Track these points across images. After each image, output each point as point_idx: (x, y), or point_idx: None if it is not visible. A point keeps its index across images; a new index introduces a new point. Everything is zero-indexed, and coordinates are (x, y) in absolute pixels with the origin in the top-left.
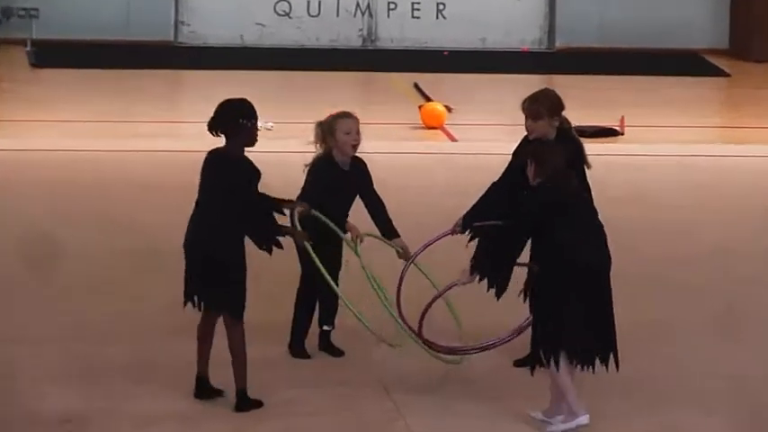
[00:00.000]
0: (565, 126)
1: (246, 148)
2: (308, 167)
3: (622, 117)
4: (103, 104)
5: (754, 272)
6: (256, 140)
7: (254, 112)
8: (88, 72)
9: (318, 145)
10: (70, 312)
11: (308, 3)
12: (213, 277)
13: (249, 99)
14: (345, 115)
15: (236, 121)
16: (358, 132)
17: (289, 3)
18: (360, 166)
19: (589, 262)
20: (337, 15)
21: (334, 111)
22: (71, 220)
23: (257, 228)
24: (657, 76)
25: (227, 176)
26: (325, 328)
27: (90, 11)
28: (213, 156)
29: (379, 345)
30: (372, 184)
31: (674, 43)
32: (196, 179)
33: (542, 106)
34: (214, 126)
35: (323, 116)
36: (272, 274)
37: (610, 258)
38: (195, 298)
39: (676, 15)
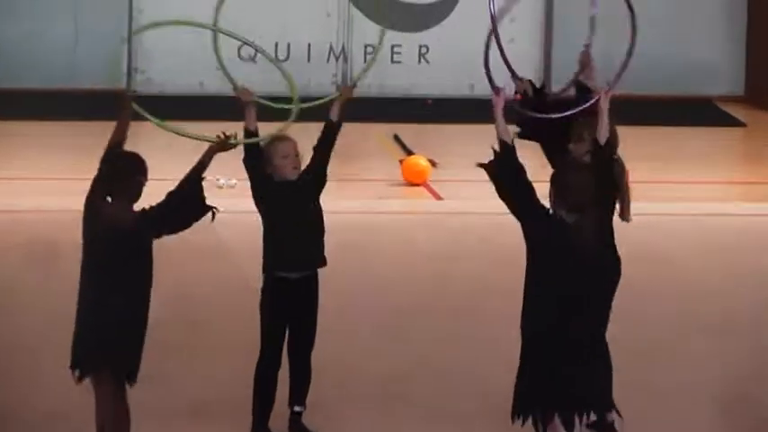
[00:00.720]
0: None
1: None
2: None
3: (627, 171)
4: (50, 160)
5: None
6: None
7: (145, 167)
8: (32, 124)
9: None
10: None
11: (276, 45)
12: None
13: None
14: (280, 139)
15: (129, 179)
16: (297, 155)
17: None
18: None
19: None
20: (308, 60)
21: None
22: (12, 286)
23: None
24: (667, 126)
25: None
26: (296, 409)
27: (34, 56)
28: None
29: None
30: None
31: (685, 90)
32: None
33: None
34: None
35: None
36: (230, 346)
37: None
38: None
39: (688, 60)
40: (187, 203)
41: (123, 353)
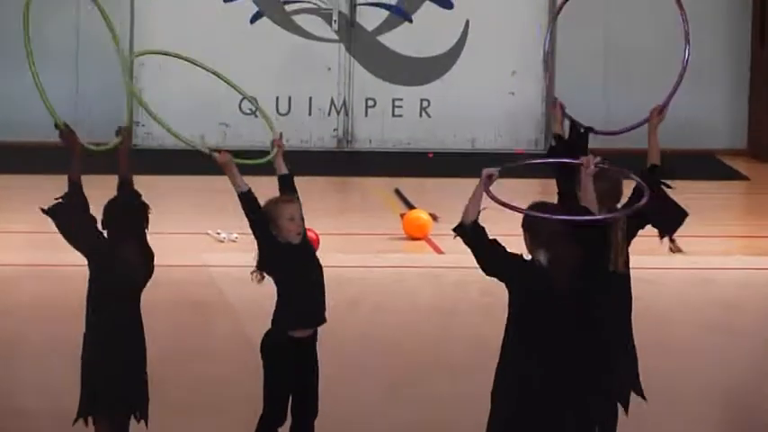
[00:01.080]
0: None
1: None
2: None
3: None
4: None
5: None
6: None
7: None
8: (31, 177)
9: None
10: None
11: (277, 99)
12: None
13: (213, 207)
14: (287, 201)
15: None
16: (302, 218)
17: (255, 100)
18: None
19: None
20: (309, 114)
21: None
22: (22, 344)
23: None
24: (668, 179)
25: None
26: None
27: (33, 109)
28: None
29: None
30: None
31: (687, 144)
32: (148, 295)
33: None
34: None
35: None
36: (231, 401)
37: None
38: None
39: (690, 113)
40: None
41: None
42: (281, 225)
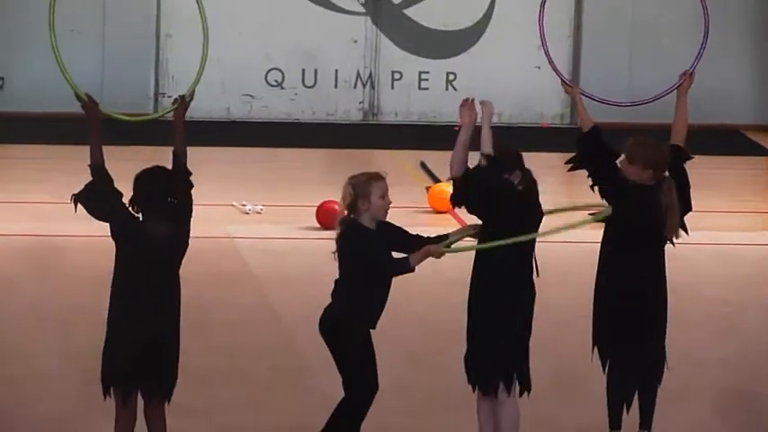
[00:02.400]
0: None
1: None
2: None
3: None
4: (74, 185)
5: None
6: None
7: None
8: (57, 148)
9: (345, 207)
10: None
11: (303, 72)
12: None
13: (238, 178)
14: (380, 177)
15: (164, 199)
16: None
17: (281, 72)
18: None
19: None
20: (335, 86)
21: (368, 171)
22: (38, 311)
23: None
24: (693, 154)
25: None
26: None
27: (59, 81)
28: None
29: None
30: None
31: (711, 118)
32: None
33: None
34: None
35: (318, 198)
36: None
37: None
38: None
39: (714, 88)
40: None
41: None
42: (373, 202)
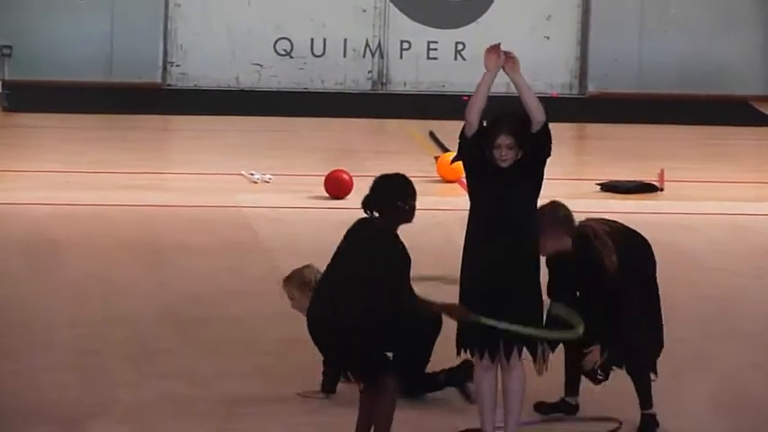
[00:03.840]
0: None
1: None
2: None
3: (662, 171)
4: (83, 153)
5: None
6: (412, 220)
7: (414, 191)
8: (67, 117)
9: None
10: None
11: (312, 41)
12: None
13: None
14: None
15: (394, 203)
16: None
17: (290, 41)
18: None
19: None
20: (344, 56)
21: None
22: (44, 281)
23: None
24: (701, 125)
25: (385, 255)
26: None
27: (69, 49)
28: (365, 227)
29: None
30: None
31: (719, 89)
32: (184, 237)
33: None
34: (370, 205)
35: (326, 168)
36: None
37: None
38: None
39: (722, 59)
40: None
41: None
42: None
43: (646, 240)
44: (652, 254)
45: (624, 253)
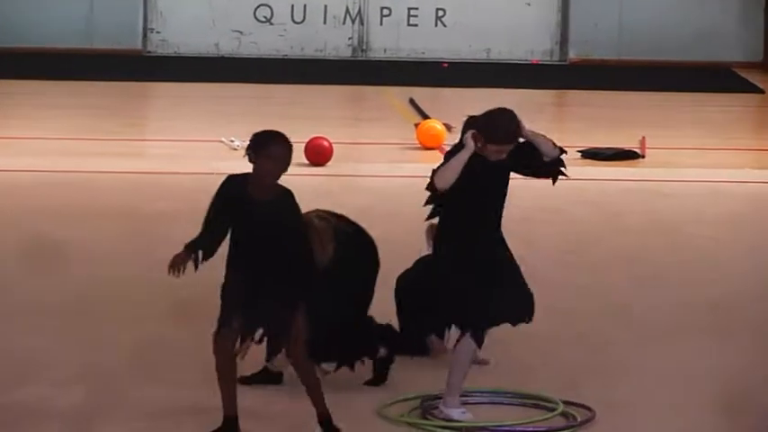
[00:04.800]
0: None
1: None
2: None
3: (643, 138)
4: (62, 120)
5: None
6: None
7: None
8: (46, 83)
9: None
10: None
11: (292, 8)
12: None
13: (226, 114)
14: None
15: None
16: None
17: (270, 8)
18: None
19: None
20: (324, 22)
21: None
22: (22, 248)
23: None
24: (682, 92)
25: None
26: None
27: (48, 16)
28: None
29: None
30: None
31: (701, 56)
32: (163, 204)
33: None
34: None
35: (306, 135)
36: None
37: None
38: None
39: (704, 25)
40: None
41: None
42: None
43: (372, 242)
44: (375, 255)
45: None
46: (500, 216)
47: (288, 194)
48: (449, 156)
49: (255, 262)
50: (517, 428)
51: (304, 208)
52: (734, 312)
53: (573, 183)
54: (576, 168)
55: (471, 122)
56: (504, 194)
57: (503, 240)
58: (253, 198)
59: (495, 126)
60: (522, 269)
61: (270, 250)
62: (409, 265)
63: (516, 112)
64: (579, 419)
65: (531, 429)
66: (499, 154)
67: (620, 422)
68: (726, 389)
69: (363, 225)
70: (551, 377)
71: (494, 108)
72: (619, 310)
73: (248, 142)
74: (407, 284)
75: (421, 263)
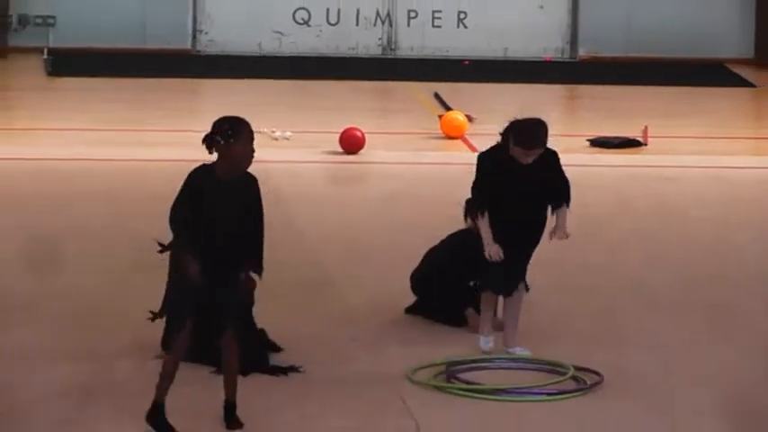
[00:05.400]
0: None
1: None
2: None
3: (645, 127)
4: (120, 113)
5: None
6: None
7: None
8: (104, 80)
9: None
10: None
11: (328, 11)
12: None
13: (267, 107)
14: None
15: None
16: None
17: (308, 11)
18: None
19: None
20: (357, 24)
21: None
22: (82, 230)
23: None
24: (682, 86)
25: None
26: None
27: (106, 18)
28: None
29: None
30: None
31: (699, 53)
32: None
33: None
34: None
35: (340, 126)
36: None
37: None
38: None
39: (702, 24)
40: None
41: None
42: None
43: None
44: None
45: None
46: (539, 205)
47: (254, 179)
48: (480, 171)
49: (217, 245)
50: (533, 390)
51: (341, 194)
52: (737, 286)
53: (584, 169)
54: (585, 156)
55: (510, 126)
56: (539, 192)
57: (541, 223)
58: (221, 180)
59: (522, 132)
60: (542, 250)
61: (233, 230)
62: (431, 241)
63: (531, 104)
64: (588, 383)
65: (544, 392)
66: (526, 158)
67: (628, 386)
68: (731, 359)
69: (392, 208)
70: (566, 346)
71: (529, 117)
72: (632, 285)
73: (214, 130)
74: (444, 259)
75: (455, 239)
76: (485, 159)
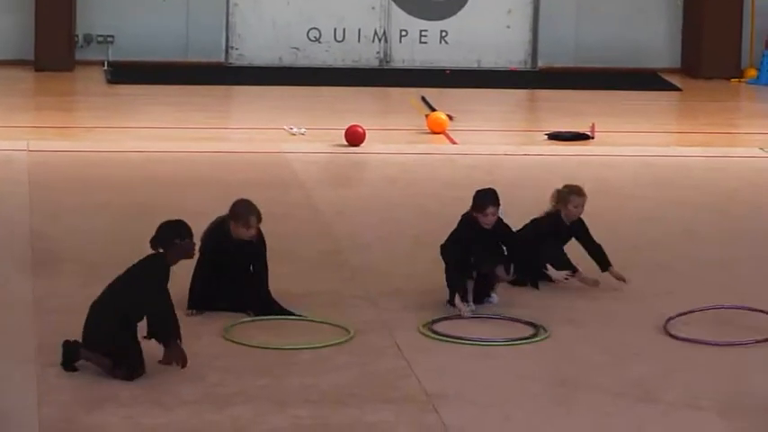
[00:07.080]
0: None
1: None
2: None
3: (593, 124)
4: (167, 114)
5: (714, 252)
6: (192, 255)
7: (189, 231)
8: (154, 87)
9: (552, 202)
10: None
11: (335, 30)
12: None
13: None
14: (579, 193)
15: (172, 240)
16: (582, 206)
17: (319, 30)
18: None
19: None
20: (359, 41)
21: (571, 185)
22: (148, 207)
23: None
24: (622, 90)
25: (142, 270)
26: None
27: (156, 36)
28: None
29: None
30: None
31: (635, 63)
32: (242, 175)
33: None
34: (154, 244)
35: (345, 123)
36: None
37: None
38: None
39: (639, 40)
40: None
41: None
42: (569, 209)
43: None
44: None
45: None
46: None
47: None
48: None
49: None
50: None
51: (348, 178)
52: (670, 249)
53: (542, 158)
54: (543, 147)
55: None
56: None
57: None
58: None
59: (476, 200)
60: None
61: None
62: (429, 221)
63: (499, 106)
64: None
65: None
66: (486, 220)
67: (606, 333)
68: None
69: (389, 189)
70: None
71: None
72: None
73: (170, 230)
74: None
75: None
76: None
